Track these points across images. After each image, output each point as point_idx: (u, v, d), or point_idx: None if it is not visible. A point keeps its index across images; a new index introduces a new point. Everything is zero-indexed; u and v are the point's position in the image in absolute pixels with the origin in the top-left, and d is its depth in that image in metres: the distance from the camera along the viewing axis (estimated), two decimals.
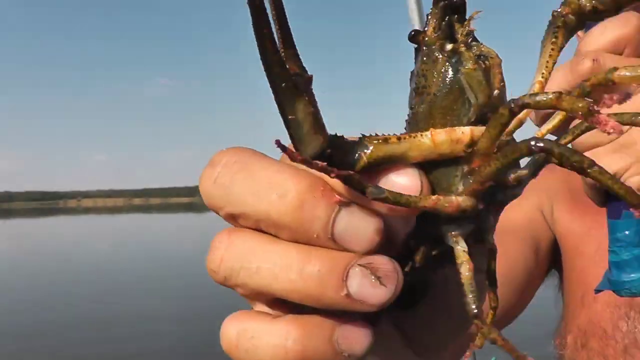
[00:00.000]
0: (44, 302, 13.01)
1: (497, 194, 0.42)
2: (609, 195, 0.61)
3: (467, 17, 0.44)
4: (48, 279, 17.10)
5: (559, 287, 1.28)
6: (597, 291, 0.75)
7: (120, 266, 19.84)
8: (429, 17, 0.45)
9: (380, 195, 0.36)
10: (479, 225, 0.43)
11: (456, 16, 0.44)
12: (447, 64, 0.43)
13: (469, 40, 0.43)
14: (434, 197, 0.39)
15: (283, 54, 0.37)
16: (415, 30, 0.45)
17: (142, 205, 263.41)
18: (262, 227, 0.40)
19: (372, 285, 0.37)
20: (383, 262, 0.38)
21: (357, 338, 0.39)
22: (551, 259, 1.24)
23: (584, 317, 1.07)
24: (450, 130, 0.41)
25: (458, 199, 0.40)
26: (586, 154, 0.44)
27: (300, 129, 0.37)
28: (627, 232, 0.64)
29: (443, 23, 0.44)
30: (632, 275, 0.64)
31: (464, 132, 0.41)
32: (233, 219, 0.41)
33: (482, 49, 0.43)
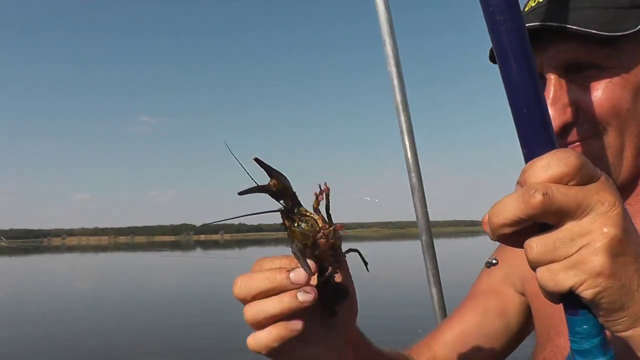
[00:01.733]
0: (24, 341, 13.29)
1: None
2: (563, 295, 0.64)
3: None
4: (29, 318, 17.30)
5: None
6: None
7: (103, 306, 20.10)
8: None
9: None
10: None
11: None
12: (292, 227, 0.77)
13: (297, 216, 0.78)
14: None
15: None
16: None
17: (127, 244, 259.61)
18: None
19: (305, 295, 0.73)
20: (309, 287, 0.74)
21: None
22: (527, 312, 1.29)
23: (549, 349, 1.11)
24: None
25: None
26: (542, 269, 0.63)
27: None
28: (585, 327, 0.66)
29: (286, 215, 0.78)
30: None
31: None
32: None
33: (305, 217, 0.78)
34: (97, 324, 15.71)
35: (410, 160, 2.12)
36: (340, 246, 0.83)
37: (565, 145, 1.00)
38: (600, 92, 0.96)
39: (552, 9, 0.97)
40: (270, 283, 0.76)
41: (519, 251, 1.27)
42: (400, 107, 2.09)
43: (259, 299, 0.77)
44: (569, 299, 0.66)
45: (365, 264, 0.91)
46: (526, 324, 1.29)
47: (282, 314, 0.76)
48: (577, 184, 0.61)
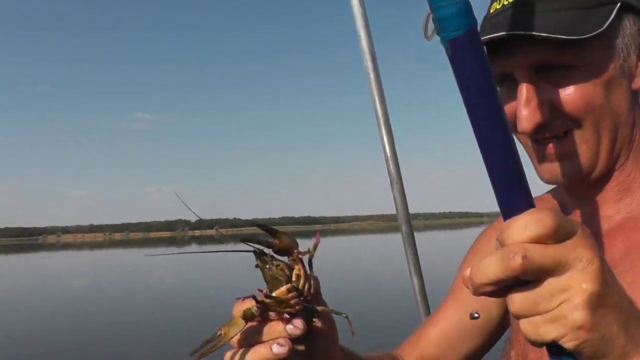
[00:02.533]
0: (22, 338, 13.57)
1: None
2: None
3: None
4: (26, 316, 17.48)
5: None
6: None
7: (97, 303, 20.31)
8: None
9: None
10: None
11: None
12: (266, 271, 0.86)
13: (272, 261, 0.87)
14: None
15: None
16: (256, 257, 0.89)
17: (122, 240, 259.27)
18: None
19: (279, 348, 0.81)
20: (283, 340, 0.82)
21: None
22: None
23: (522, 337, 1.08)
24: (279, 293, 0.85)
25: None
26: (525, 321, 0.64)
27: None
28: None
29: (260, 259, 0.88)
30: None
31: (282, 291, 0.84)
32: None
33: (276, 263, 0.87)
34: (93, 321, 15.86)
35: (389, 153, 2.13)
36: (316, 294, 0.90)
37: (542, 143, 1.03)
38: (573, 89, 0.97)
39: (517, 14, 0.99)
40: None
41: (493, 242, 1.30)
42: (377, 101, 2.10)
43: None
44: (552, 345, 0.66)
45: (353, 333, 0.95)
46: (506, 316, 1.30)
47: None
48: (555, 243, 0.63)
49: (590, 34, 0.93)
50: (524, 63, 0.99)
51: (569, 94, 0.97)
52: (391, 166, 2.12)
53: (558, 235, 0.63)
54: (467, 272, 0.67)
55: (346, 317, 0.94)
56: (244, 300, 0.86)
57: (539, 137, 1.03)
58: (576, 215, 1.11)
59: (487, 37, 0.97)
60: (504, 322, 1.31)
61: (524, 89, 1.00)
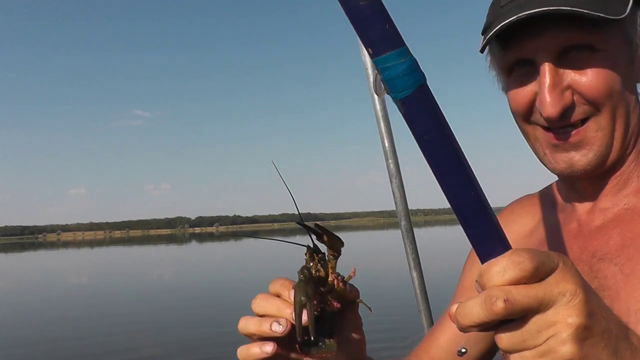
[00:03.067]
0: (21, 338, 13.44)
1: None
2: None
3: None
4: (28, 315, 17.36)
5: None
6: None
7: (100, 301, 20.22)
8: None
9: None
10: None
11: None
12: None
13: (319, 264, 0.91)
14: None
15: None
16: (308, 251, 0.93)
17: (123, 238, 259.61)
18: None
19: (277, 326, 0.87)
20: (284, 320, 0.88)
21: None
22: None
23: None
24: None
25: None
26: (515, 355, 0.65)
27: None
28: None
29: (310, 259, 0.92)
30: None
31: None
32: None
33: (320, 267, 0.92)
34: (96, 320, 15.76)
35: (388, 148, 2.14)
36: (345, 295, 0.96)
37: (559, 132, 1.03)
38: (596, 74, 0.97)
39: None
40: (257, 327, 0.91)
41: None
42: (376, 95, 2.11)
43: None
44: None
45: (369, 308, 1.00)
46: None
47: (258, 335, 0.90)
48: (537, 281, 0.63)
49: (619, 17, 0.93)
50: (551, 46, 0.99)
51: (592, 78, 0.97)
52: (390, 161, 2.12)
53: (538, 274, 0.63)
54: (453, 309, 0.68)
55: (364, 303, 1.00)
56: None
57: (558, 124, 1.02)
58: (574, 208, 1.12)
59: (516, 17, 0.96)
60: None
61: (548, 74, 0.99)
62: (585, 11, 0.91)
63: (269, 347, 0.90)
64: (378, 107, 2.08)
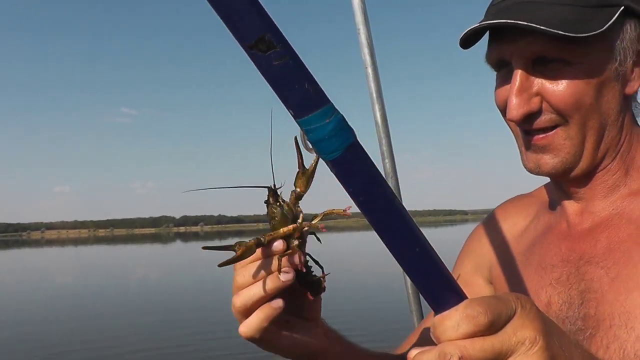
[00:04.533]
0: (2, 338, 13.35)
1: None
2: None
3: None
4: (10, 314, 17.31)
5: None
6: None
7: (83, 301, 20.27)
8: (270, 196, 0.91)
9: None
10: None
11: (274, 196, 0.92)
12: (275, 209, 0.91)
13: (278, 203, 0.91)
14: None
15: None
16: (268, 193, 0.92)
17: (107, 237, 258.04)
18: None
19: (285, 275, 0.86)
20: (288, 268, 0.87)
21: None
22: None
23: None
24: (286, 229, 0.89)
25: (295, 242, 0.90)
26: None
27: None
28: None
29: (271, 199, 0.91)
30: None
31: (289, 228, 0.89)
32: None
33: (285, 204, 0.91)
34: (79, 319, 15.73)
35: (385, 147, 2.13)
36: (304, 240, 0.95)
37: (529, 134, 1.05)
38: (565, 85, 0.99)
39: (523, 3, 1.00)
40: (257, 258, 0.89)
41: (484, 240, 1.34)
42: (375, 95, 2.10)
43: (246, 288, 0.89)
44: None
45: (323, 276, 1.00)
46: None
47: (267, 295, 0.87)
48: (494, 332, 0.63)
49: (591, 33, 0.94)
50: (523, 53, 1.01)
51: (560, 89, 0.99)
52: (386, 160, 2.12)
53: (494, 326, 0.62)
54: (412, 354, 0.67)
55: (322, 270, 0.99)
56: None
57: (526, 127, 1.04)
58: (564, 210, 1.13)
59: (489, 22, 0.99)
60: None
61: (518, 78, 1.01)
62: (543, 28, 0.93)
63: (279, 302, 0.90)
64: (377, 105, 2.08)
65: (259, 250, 0.88)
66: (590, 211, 1.08)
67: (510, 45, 1.02)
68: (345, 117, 0.63)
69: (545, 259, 1.12)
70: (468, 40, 1.07)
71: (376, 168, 0.65)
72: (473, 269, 1.34)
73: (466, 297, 0.66)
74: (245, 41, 0.59)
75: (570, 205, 1.12)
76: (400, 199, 2.21)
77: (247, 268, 0.90)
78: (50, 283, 29.22)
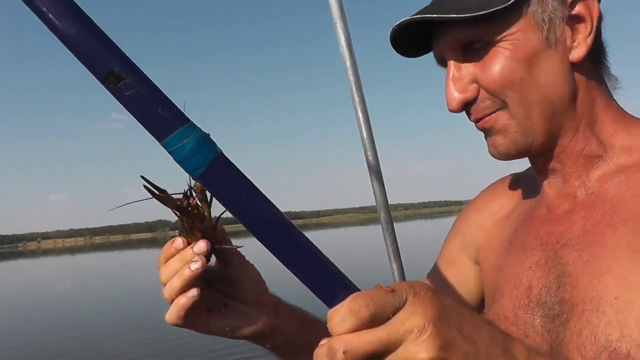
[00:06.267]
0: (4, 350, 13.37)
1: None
2: None
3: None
4: (9, 325, 17.51)
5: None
6: None
7: (82, 310, 20.11)
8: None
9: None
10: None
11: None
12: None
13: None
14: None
15: None
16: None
17: (103, 244, 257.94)
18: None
19: (195, 264, 0.90)
20: (197, 257, 0.91)
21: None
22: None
23: (493, 311, 1.11)
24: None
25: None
26: None
27: None
28: None
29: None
30: None
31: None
32: None
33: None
34: (79, 328, 15.66)
35: (366, 140, 2.11)
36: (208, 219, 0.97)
37: (479, 120, 1.04)
38: (492, 66, 0.98)
39: (435, 1, 1.02)
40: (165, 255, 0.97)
41: (472, 219, 1.35)
42: (354, 88, 2.06)
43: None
44: None
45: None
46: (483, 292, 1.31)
47: (184, 286, 0.92)
48: (381, 323, 0.64)
49: (494, 9, 0.93)
50: (449, 44, 1.01)
51: (489, 71, 0.98)
52: (369, 154, 2.08)
53: (379, 318, 0.64)
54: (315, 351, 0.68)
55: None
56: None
57: (471, 118, 1.04)
58: (544, 192, 1.12)
59: (395, 24, 1.02)
60: (482, 298, 1.31)
61: (451, 69, 1.02)
62: (445, 16, 0.94)
63: (193, 292, 0.93)
64: (356, 98, 2.06)
65: (176, 249, 0.95)
66: (568, 192, 1.07)
67: (439, 41, 1.03)
68: (209, 134, 0.67)
69: (526, 242, 1.11)
70: (410, 49, 1.10)
71: (247, 179, 0.68)
72: (460, 248, 1.35)
73: (356, 291, 0.68)
74: (98, 76, 0.63)
75: (549, 187, 1.11)
76: (385, 191, 2.20)
77: (166, 265, 0.95)
78: (49, 292, 29.08)
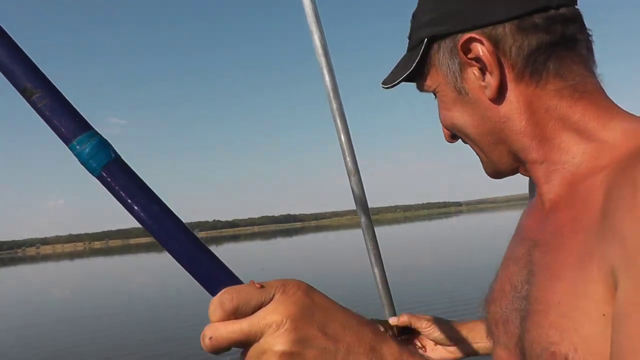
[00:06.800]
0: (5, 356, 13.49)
1: None
2: None
3: None
4: (10, 332, 17.51)
5: None
6: None
7: (83, 315, 20.13)
8: None
9: None
10: None
11: None
12: None
13: None
14: None
15: None
16: None
17: (102, 249, 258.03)
18: None
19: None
20: None
21: None
22: None
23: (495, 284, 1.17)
24: None
25: None
26: None
27: None
28: None
29: None
30: None
31: None
32: None
33: None
34: (78, 334, 15.73)
35: (345, 145, 2.14)
36: None
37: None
38: (440, 113, 1.14)
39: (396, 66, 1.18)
40: None
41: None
42: (332, 94, 2.11)
43: None
44: None
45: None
46: None
47: None
48: (245, 316, 0.70)
49: (394, 83, 1.14)
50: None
51: (441, 117, 1.15)
52: (348, 158, 2.12)
53: (244, 311, 0.70)
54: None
55: None
56: None
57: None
58: (538, 192, 1.15)
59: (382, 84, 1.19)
60: None
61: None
62: (382, 85, 1.17)
63: None
64: (334, 104, 2.09)
65: None
66: (547, 199, 1.09)
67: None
68: (107, 140, 0.75)
69: (516, 237, 1.19)
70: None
71: (140, 180, 0.76)
72: None
73: (236, 284, 0.74)
74: (18, 89, 0.73)
75: (538, 189, 1.14)
76: (365, 195, 2.22)
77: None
78: (49, 298, 29.24)
